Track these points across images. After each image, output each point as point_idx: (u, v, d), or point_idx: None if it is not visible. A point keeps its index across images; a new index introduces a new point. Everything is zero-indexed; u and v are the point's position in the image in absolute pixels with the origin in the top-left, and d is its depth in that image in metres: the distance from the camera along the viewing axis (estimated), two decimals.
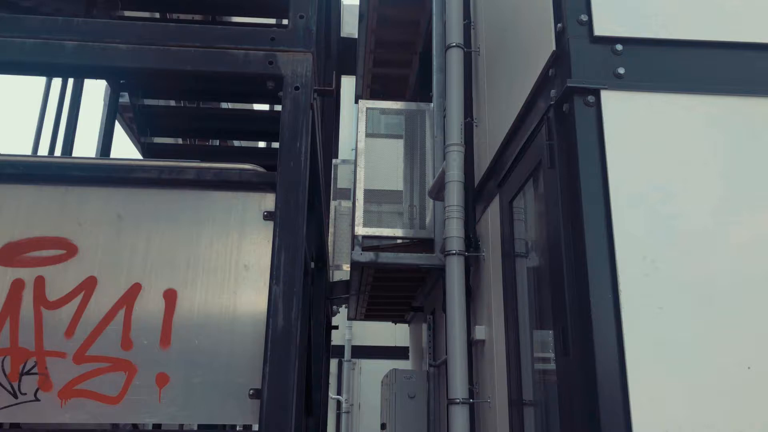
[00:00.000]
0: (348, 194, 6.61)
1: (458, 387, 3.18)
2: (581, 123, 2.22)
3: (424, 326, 5.37)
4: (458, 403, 3.15)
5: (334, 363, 9.50)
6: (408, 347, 7.52)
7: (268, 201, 2.09)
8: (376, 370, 8.28)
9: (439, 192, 3.89)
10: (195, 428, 3.51)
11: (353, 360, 9.54)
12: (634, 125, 2.22)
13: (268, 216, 2.07)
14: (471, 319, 3.48)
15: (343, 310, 7.15)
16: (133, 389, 1.92)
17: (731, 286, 2.07)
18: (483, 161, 3.58)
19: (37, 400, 1.88)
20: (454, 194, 3.47)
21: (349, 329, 9.63)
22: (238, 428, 3.56)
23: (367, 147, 4.73)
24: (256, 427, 1.88)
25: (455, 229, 3.44)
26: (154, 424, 2.37)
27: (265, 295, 1.97)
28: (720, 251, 2.11)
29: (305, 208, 2.04)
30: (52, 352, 1.93)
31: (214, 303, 2.01)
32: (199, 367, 1.95)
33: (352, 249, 4.63)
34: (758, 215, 2.15)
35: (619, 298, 2.03)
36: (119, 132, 5.64)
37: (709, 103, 2.26)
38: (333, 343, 9.66)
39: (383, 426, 5.21)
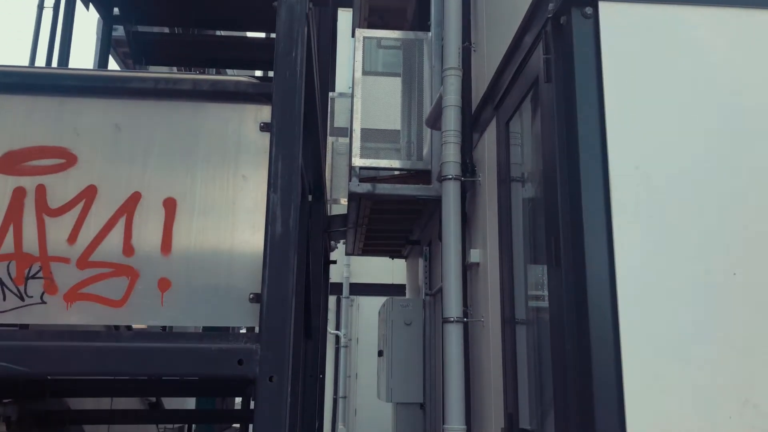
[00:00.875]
0: (345, 132, 6.59)
1: (453, 307, 3.26)
2: (579, 35, 2.20)
3: (421, 260, 5.46)
4: (452, 322, 3.24)
5: (332, 300, 9.68)
6: (405, 284, 7.66)
7: (264, 112, 2.09)
8: (373, 306, 8.43)
9: (436, 121, 3.89)
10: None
11: (351, 297, 9.72)
12: (632, 37, 2.21)
13: (264, 127, 2.08)
14: (466, 243, 3.54)
15: (341, 247, 7.24)
16: (136, 293, 1.98)
17: (726, 199, 2.11)
18: (480, 87, 3.57)
19: (43, 302, 1.94)
20: (452, 119, 3.47)
21: (347, 267, 9.77)
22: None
23: (365, 85, 4.69)
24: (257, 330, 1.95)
25: (452, 154, 3.45)
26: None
27: (263, 204, 2.01)
28: (717, 168, 2.13)
29: (301, 117, 2.05)
30: (56, 257, 1.97)
31: (213, 212, 2.04)
32: (200, 273, 2.01)
33: (350, 180, 4.66)
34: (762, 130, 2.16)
35: (611, 209, 2.07)
36: (113, 68, 5.57)
37: (710, 14, 2.24)
38: (332, 280, 9.82)
39: (380, 353, 5.36)
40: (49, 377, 2.20)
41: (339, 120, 7.03)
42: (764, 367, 2.01)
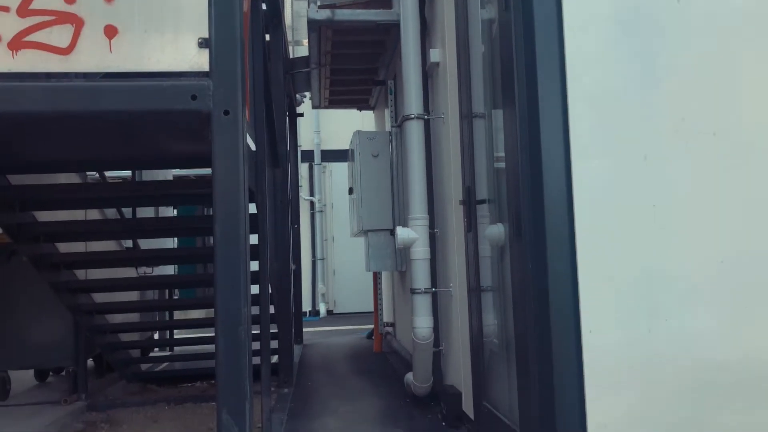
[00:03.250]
0: None
1: (413, 104, 3.31)
2: None
3: (390, 98, 5.42)
4: (413, 119, 3.30)
5: (305, 167, 9.75)
6: None
7: None
8: (345, 172, 8.51)
9: None
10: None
11: (323, 163, 9.78)
12: None
13: None
14: (426, 43, 3.52)
15: (308, 102, 7.18)
16: (83, 41, 1.97)
17: (685, 96, 2.10)
18: None
19: None
20: None
21: (317, 134, 9.75)
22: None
23: None
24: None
25: None
26: None
27: None
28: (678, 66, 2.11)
29: None
30: None
31: None
32: (147, 19, 1.99)
33: (308, 7, 4.53)
34: None
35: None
36: None
37: None
38: (303, 148, 9.83)
39: (350, 190, 5.47)
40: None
41: None
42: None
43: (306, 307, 9.51)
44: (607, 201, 2.09)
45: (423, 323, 3.27)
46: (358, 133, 4.98)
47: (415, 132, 3.31)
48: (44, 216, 3.47)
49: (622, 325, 2.09)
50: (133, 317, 5.12)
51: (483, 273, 2.94)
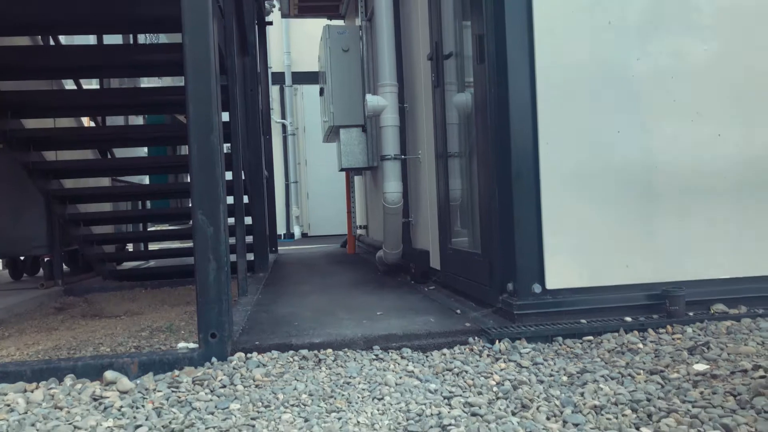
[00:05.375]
0: None
1: None
2: None
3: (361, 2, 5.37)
4: None
5: (275, 89, 9.65)
6: None
7: None
8: (316, 94, 8.47)
9: None
10: None
11: (294, 86, 9.69)
12: None
13: None
14: None
15: (277, 13, 7.07)
16: None
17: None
18: None
19: None
20: None
21: (287, 55, 9.62)
22: None
23: None
24: None
25: None
26: None
27: None
28: None
29: None
30: None
31: None
32: None
33: None
34: None
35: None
36: None
37: None
38: (273, 70, 9.70)
39: (321, 91, 5.48)
40: None
41: None
42: None
43: (281, 230, 9.60)
44: None
45: (393, 188, 3.37)
46: (328, 27, 4.96)
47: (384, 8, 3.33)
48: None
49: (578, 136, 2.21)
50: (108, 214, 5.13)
51: (450, 140, 3.04)
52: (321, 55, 5.32)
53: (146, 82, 6.82)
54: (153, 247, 6.23)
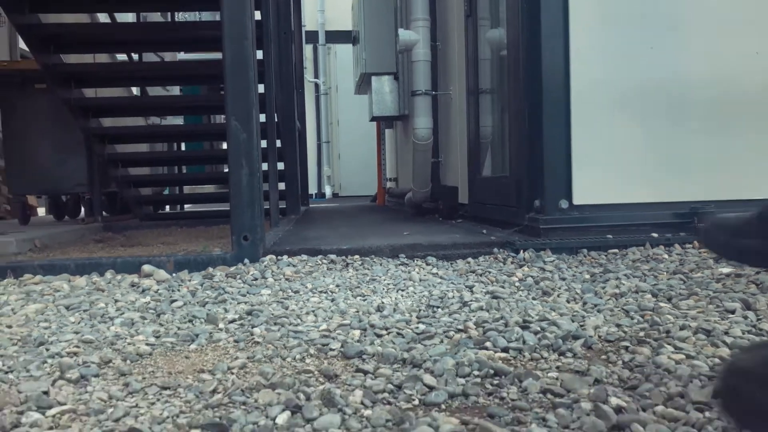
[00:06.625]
0: None
1: None
2: None
3: None
4: None
5: (309, 48, 9.66)
6: None
7: None
8: (350, 54, 8.47)
9: None
10: None
11: (328, 45, 9.68)
12: None
13: None
14: None
15: None
16: None
17: None
18: None
19: None
20: None
21: (321, 13, 9.60)
22: None
23: None
24: None
25: None
26: None
27: None
28: None
29: None
30: None
31: None
32: None
33: None
34: None
35: None
36: None
37: None
38: (307, 28, 9.70)
39: (354, 40, 5.48)
40: None
41: None
42: None
43: (312, 189, 9.69)
44: None
45: (423, 123, 3.39)
46: None
47: None
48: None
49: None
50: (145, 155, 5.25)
51: (482, 77, 3.02)
52: (354, 1, 5.31)
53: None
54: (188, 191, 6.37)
